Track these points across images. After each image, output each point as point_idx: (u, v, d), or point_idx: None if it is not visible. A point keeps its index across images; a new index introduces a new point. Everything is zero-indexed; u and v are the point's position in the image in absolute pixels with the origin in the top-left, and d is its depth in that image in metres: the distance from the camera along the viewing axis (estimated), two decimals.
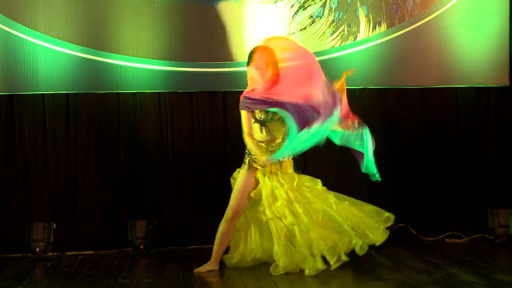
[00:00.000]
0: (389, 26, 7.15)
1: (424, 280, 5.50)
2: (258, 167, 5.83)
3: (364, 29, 7.13)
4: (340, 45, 7.11)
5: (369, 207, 6.04)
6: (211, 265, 5.93)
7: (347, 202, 5.98)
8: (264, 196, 5.78)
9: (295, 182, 5.88)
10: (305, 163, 6.88)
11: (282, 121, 5.81)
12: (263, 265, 5.98)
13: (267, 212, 5.76)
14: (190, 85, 6.77)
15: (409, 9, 7.16)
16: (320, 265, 5.75)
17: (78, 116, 6.97)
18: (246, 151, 5.90)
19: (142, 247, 6.66)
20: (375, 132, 7.19)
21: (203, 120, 7.03)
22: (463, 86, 7.27)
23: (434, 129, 7.32)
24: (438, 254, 6.45)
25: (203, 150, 7.04)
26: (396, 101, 7.29)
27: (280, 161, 5.85)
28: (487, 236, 7.02)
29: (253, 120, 5.84)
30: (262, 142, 5.85)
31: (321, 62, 6.91)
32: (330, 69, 6.94)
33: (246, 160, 5.88)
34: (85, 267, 6.27)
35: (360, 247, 5.83)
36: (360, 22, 7.12)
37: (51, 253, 6.68)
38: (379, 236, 5.93)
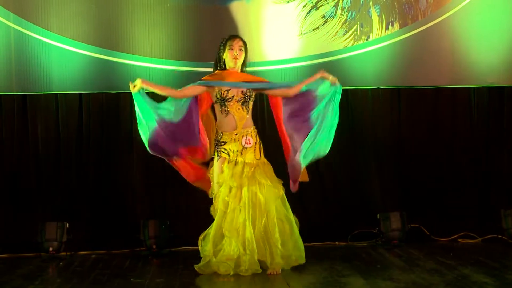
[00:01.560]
0: (402, 26, 7.15)
1: (436, 281, 5.49)
2: (226, 156, 5.87)
3: (376, 29, 7.13)
4: (352, 45, 7.11)
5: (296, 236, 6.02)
6: None
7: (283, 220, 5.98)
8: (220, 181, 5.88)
9: (252, 170, 5.88)
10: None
11: (242, 103, 5.88)
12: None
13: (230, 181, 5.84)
14: None
15: (422, 9, 7.15)
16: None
17: (91, 116, 7.01)
18: (214, 143, 5.96)
19: (154, 247, 6.68)
20: (387, 131, 7.24)
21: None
22: (475, 86, 7.25)
23: (447, 129, 7.31)
24: (450, 254, 6.43)
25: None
26: (409, 101, 7.28)
27: (244, 148, 5.87)
28: (500, 236, 7.01)
29: (214, 100, 5.91)
30: (225, 131, 5.90)
31: (333, 62, 7.04)
32: (342, 69, 7.04)
33: (215, 152, 5.94)
34: (97, 267, 6.29)
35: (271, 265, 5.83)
36: (372, 22, 7.12)
37: (64, 253, 6.72)
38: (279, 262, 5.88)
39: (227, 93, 5.87)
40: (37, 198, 6.96)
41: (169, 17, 6.96)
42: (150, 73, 6.94)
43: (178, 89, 5.95)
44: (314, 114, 5.86)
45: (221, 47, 5.97)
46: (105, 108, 7.04)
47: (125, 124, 7.03)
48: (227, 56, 5.92)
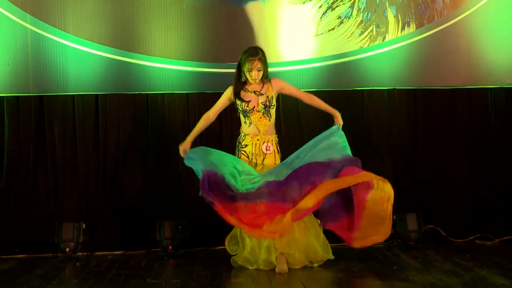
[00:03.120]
0: (418, 26, 7.14)
1: (452, 282, 5.47)
2: (246, 158, 5.99)
3: (392, 30, 7.13)
4: (368, 45, 7.12)
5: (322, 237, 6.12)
6: None
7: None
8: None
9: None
10: None
11: (263, 113, 5.99)
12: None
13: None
14: (218, 86, 6.76)
15: (439, 9, 7.15)
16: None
17: (107, 117, 7.04)
18: (237, 144, 6.08)
19: (170, 247, 6.70)
20: (404, 132, 7.24)
21: (230, 120, 7.05)
22: (493, 86, 7.23)
23: (463, 130, 7.30)
24: (467, 256, 6.41)
25: (231, 151, 7.05)
26: (425, 101, 7.27)
27: (264, 154, 6.00)
28: None
29: (237, 111, 6.07)
30: (248, 134, 6.03)
31: (349, 62, 7.10)
32: (358, 70, 7.12)
33: (236, 152, 6.08)
34: (114, 267, 6.31)
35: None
36: (388, 23, 7.12)
37: (81, 253, 6.76)
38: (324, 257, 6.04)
39: (248, 105, 6.02)
40: (54, 198, 6.99)
41: (185, 18, 6.99)
42: (166, 74, 6.98)
43: (203, 118, 6.16)
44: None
45: (242, 62, 6.02)
46: (121, 109, 7.06)
47: (141, 125, 7.08)
48: (247, 74, 6.00)
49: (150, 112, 7.05)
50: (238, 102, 6.06)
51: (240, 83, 6.08)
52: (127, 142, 7.09)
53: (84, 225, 6.79)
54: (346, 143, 6.05)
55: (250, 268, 5.99)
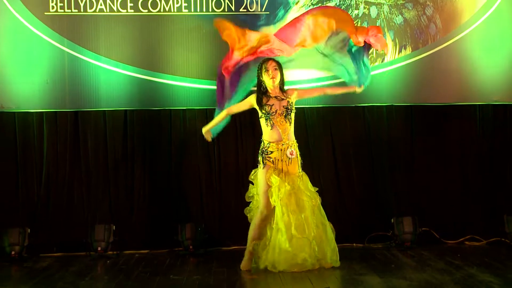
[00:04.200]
0: (414, 49, 7.14)
1: (445, 280, 5.49)
2: (270, 164, 5.93)
3: (391, 52, 7.12)
4: (370, 66, 7.08)
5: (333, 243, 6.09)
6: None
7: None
8: (272, 188, 5.90)
9: (296, 186, 5.95)
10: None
11: (285, 115, 5.96)
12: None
13: (274, 198, 5.87)
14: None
15: (432, 34, 7.13)
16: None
17: (135, 130, 7.07)
18: (259, 151, 6.02)
19: (191, 247, 6.72)
20: (401, 144, 7.21)
21: (246, 133, 7.10)
22: (481, 103, 7.21)
23: (455, 142, 7.28)
24: (458, 255, 6.41)
25: (245, 162, 7.07)
26: (420, 117, 7.25)
27: (289, 159, 5.96)
28: (503, 239, 6.96)
29: (260, 115, 6.03)
30: (272, 142, 5.97)
31: None
32: None
33: (260, 159, 6.00)
34: (140, 265, 6.34)
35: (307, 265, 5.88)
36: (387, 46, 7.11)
37: (111, 252, 6.79)
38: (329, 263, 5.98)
39: (271, 108, 5.99)
40: (87, 203, 7.03)
41: (204, 41, 7.00)
42: (187, 91, 7.00)
43: (226, 110, 6.19)
44: None
45: (259, 71, 6.04)
46: (147, 123, 7.08)
47: (165, 137, 7.09)
48: (265, 78, 6.00)
49: (173, 125, 7.07)
50: (261, 106, 6.01)
51: (261, 92, 6.05)
52: (153, 152, 7.10)
53: (114, 227, 6.82)
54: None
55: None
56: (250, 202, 6.20)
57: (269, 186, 5.92)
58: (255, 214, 6.09)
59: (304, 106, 6.97)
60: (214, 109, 6.91)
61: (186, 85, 6.99)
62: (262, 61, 6.06)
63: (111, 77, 6.93)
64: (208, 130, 6.24)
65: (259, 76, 6.04)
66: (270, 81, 5.99)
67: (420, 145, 7.26)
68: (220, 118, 6.22)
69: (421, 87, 7.17)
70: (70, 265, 6.36)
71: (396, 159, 7.25)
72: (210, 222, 6.98)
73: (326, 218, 6.06)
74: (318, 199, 6.03)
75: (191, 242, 6.75)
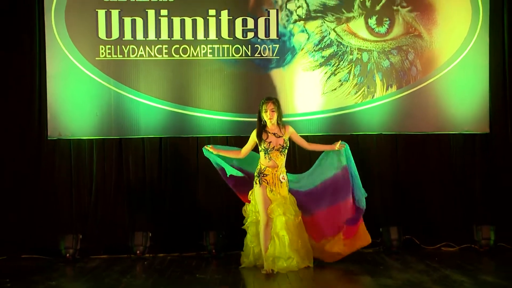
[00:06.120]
0: (398, 87, 7.14)
1: (425, 279, 5.51)
2: (266, 185, 5.96)
3: (379, 90, 7.14)
4: (361, 101, 7.12)
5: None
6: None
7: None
8: (273, 202, 5.96)
9: (285, 202, 6.02)
10: None
11: (280, 151, 5.97)
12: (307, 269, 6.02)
13: (278, 209, 5.92)
14: (251, 130, 6.73)
15: (413, 75, 7.15)
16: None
17: (168, 154, 7.09)
18: (256, 173, 6.02)
19: (213, 251, 6.73)
20: (388, 166, 7.16)
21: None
22: (454, 132, 7.20)
23: (433, 164, 7.24)
24: (436, 259, 6.41)
25: None
26: (404, 143, 7.23)
27: (281, 182, 5.98)
28: (473, 246, 6.95)
29: (260, 149, 6.02)
30: (268, 167, 5.99)
31: (347, 114, 7.05)
32: (354, 119, 7.10)
33: (257, 180, 6.01)
34: (172, 266, 6.36)
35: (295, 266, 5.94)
36: (376, 85, 7.14)
37: (148, 255, 6.80)
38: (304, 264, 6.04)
39: (269, 145, 5.99)
40: (129, 214, 7.04)
41: (225, 81, 7.04)
42: (212, 122, 7.02)
43: (237, 151, 6.22)
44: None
45: (260, 108, 6.05)
46: (178, 147, 7.10)
47: (193, 159, 7.10)
48: (264, 116, 6.01)
49: (199, 150, 6.98)
50: (261, 141, 6.00)
51: (260, 126, 6.03)
52: (182, 171, 7.11)
53: (150, 233, 6.83)
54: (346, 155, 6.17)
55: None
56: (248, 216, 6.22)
57: (267, 200, 5.94)
58: (252, 227, 6.18)
59: (308, 134, 6.94)
60: (234, 136, 7.05)
61: (210, 116, 7.03)
62: (264, 100, 6.04)
63: (149, 110, 6.98)
64: (215, 149, 6.18)
65: (260, 111, 6.05)
66: (268, 121, 6.00)
67: (404, 167, 7.24)
68: (229, 152, 6.24)
69: (404, 119, 7.15)
70: (115, 265, 6.39)
71: (384, 179, 7.22)
72: (230, 229, 6.94)
73: (304, 230, 6.13)
74: (300, 217, 6.09)
75: (213, 247, 6.75)
